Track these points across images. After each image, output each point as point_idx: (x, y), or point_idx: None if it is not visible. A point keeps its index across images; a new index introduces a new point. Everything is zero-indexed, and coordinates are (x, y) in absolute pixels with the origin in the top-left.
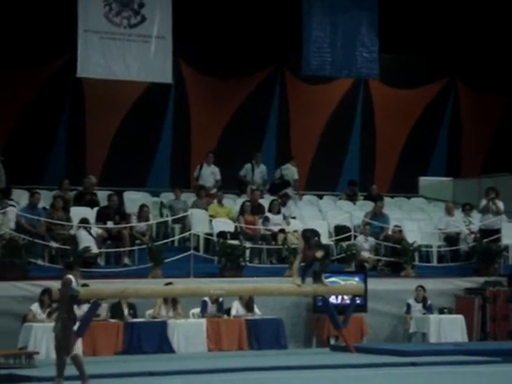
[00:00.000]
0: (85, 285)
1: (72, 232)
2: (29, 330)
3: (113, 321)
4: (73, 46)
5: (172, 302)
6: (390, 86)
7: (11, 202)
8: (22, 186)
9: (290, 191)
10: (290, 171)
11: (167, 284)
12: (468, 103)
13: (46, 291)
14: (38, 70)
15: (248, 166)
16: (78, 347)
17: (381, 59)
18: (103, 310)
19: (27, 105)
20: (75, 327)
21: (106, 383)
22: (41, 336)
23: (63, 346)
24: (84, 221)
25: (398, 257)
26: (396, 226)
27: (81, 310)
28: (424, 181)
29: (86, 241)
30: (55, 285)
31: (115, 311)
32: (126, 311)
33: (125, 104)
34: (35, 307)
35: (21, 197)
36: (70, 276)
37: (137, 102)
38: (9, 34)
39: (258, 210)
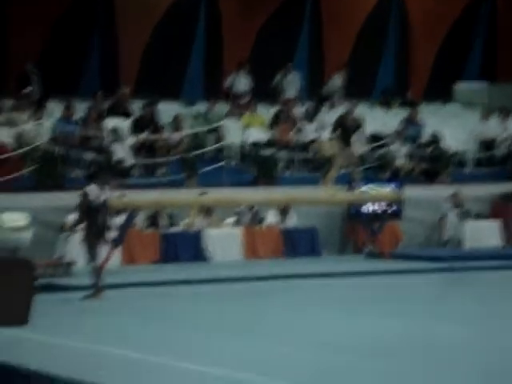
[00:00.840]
0: (120, 195)
1: (106, 143)
2: (66, 240)
3: (149, 230)
4: None
5: (207, 211)
6: None
7: (45, 114)
8: (56, 98)
9: (336, 99)
10: (336, 80)
11: (201, 194)
12: (504, 5)
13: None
14: None
15: (279, 75)
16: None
17: None
18: (139, 219)
19: (59, 17)
20: (109, 236)
21: (143, 291)
22: (77, 246)
23: (88, 255)
24: (118, 132)
25: (433, 163)
26: (435, 132)
27: (117, 220)
28: (459, 86)
29: (120, 152)
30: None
31: (152, 221)
32: (163, 221)
33: (156, 13)
34: (72, 217)
35: (55, 108)
36: (89, 188)
37: (168, 10)
38: None
39: (291, 119)
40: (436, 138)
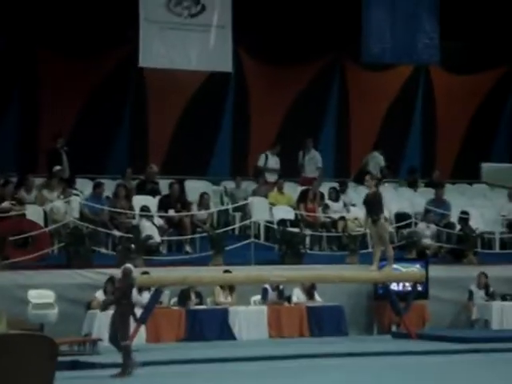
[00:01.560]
0: (145, 272)
1: (134, 221)
2: (93, 318)
3: (175, 308)
4: (135, 38)
5: (229, 289)
6: (451, 73)
7: (75, 191)
8: (85, 176)
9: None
10: (377, 159)
11: (225, 271)
12: None
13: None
14: (101, 59)
15: (300, 153)
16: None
17: (441, 45)
18: (165, 297)
19: (90, 95)
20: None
21: (168, 369)
22: (105, 323)
23: (121, 333)
24: (146, 209)
25: (460, 244)
26: (463, 212)
27: (143, 298)
28: (486, 167)
29: (149, 229)
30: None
31: (183, 299)
32: (193, 299)
33: (186, 94)
34: (99, 294)
35: (84, 186)
36: (131, 265)
37: (197, 91)
38: (74, 22)
39: (318, 197)
40: (463, 219)
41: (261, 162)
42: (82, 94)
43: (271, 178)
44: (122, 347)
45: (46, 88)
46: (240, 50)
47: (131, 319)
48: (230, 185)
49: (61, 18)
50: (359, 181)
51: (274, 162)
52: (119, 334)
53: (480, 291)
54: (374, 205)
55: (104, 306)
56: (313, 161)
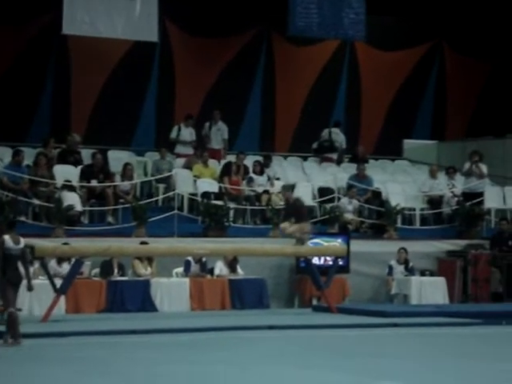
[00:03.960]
0: (66, 243)
1: (55, 190)
2: None
3: (96, 279)
4: (59, 4)
5: (148, 260)
6: (377, 48)
7: None
8: (5, 143)
9: (334, 156)
10: (340, 137)
11: (142, 243)
12: (453, 66)
13: (25, 248)
14: (23, 26)
15: (206, 124)
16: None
17: (367, 21)
18: (86, 267)
19: (12, 61)
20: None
21: (88, 340)
22: (23, 293)
23: (3, 300)
24: (68, 181)
25: (381, 219)
26: (376, 188)
27: (63, 268)
28: (408, 143)
29: (70, 199)
30: (38, 242)
31: (105, 270)
32: (115, 270)
33: (110, 62)
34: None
35: (4, 154)
36: (6, 236)
37: (122, 60)
38: None
39: (242, 170)
40: (379, 194)
41: (173, 134)
42: (5, 60)
43: (185, 150)
44: (7, 315)
45: None
46: (166, 20)
47: (20, 288)
48: (154, 156)
49: None
50: (322, 153)
51: (188, 133)
52: (2, 301)
53: (400, 266)
54: (294, 213)
55: None
56: (219, 132)
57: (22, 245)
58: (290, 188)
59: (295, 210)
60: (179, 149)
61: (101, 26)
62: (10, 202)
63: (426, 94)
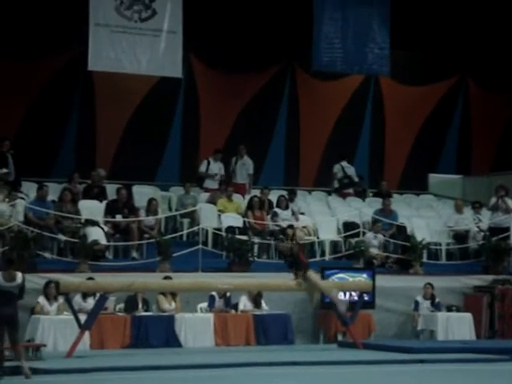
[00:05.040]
0: (91, 278)
1: (80, 225)
2: (36, 323)
3: (120, 314)
4: (85, 39)
5: (171, 295)
6: (401, 83)
7: (20, 195)
8: (31, 179)
9: (350, 190)
10: (351, 170)
11: (165, 278)
12: (478, 101)
13: (49, 283)
14: (48, 61)
15: (233, 159)
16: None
17: (392, 56)
18: (111, 303)
19: (37, 97)
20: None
21: (112, 376)
22: (48, 328)
23: None
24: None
25: (406, 254)
26: (401, 222)
27: (88, 304)
28: (433, 178)
29: (95, 234)
30: (63, 278)
31: (130, 305)
32: (140, 306)
33: (135, 98)
34: (42, 299)
35: (30, 189)
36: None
37: (147, 96)
38: (21, 24)
39: (266, 205)
40: (404, 228)
41: (202, 168)
42: (29, 96)
43: (213, 184)
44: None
45: None
46: (191, 56)
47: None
48: (178, 191)
49: (10, 19)
50: (341, 190)
51: (217, 168)
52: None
53: (426, 302)
54: (294, 261)
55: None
56: (244, 167)
57: (17, 282)
58: (288, 237)
59: (294, 260)
60: (208, 183)
61: (125, 62)
62: (35, 238)
63: (450, 129)
